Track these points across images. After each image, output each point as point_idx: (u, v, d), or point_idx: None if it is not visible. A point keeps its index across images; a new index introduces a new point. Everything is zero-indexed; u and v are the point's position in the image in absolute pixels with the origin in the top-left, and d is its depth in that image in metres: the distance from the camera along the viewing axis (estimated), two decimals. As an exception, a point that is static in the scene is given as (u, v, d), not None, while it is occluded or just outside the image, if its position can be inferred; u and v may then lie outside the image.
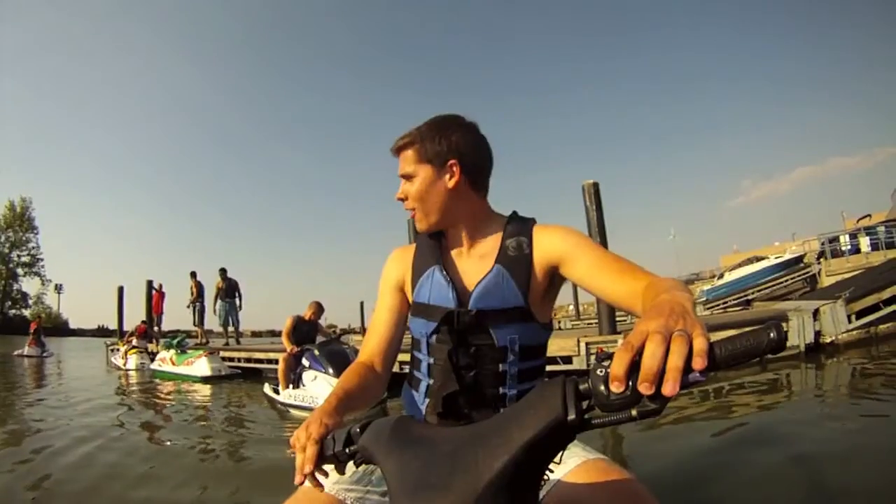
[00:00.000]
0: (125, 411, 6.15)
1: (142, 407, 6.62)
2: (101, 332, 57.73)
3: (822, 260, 19.55)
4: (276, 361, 9.17)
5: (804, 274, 21.08)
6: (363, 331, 21.09)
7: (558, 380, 0.60)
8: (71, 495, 2.97)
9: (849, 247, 19.05)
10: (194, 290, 13.30)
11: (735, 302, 20.79)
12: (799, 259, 22.94)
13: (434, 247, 1.18)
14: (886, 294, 7.55)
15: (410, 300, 1.19)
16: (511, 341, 1.07)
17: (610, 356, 0.57)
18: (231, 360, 10.60)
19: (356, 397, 1.03)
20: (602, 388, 0.54)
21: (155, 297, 15.88)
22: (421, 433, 0.69)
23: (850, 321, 7.23)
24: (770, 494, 2.48)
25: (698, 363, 0.50)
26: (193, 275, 13.47)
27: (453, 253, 1.17)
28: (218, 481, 3.19)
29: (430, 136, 1.11)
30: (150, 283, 15.94)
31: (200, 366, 9.55)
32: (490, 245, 1.13)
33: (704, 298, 23.54)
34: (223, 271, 12.58)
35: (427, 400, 1.12)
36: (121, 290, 18.28)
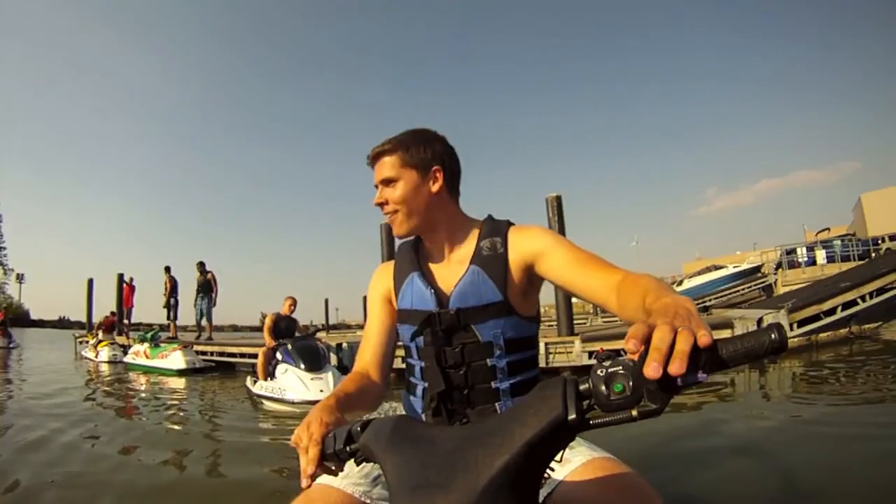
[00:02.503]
0: (102, 403, 6.28)
1: (119, 399, 6.74)
2: (63, 323, 56.41)
3: (778, 270, 20.44)
4: (248, 355, 9.52)
5: (761, 283, 21.95)
6: (327, 328, 20.93)
7: (559, 379, 0.61)
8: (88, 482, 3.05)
9: (805, 259, 20.00)
10: (168, 285, 13.12)
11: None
12: (757, 269, 23.85)
13: (412, 255, 1.22)
14: (827, 305, 8.12)
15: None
16: (495, 336, 1.10)
17: (610, 356, 0.59)
18: (204, 353, 10.69)
19: (355, 400, 1.05)
20: (602, 387, 0.56)
21: (125, 291, 15.71)
22: (421, 432, 0.70)
23: (791, 329, 7.77)
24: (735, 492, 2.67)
25: (704, 340, 0.53)
26: (167, 269, 13.26)
27: (431, 258, 1.22)
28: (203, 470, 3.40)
29: (413, 143, 1.16)
30: (120, 277, 15.75)
31: (175, 359, 9.66)
32: (466, 248, 1.17)
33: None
34: (201, 265, 12.27)
35: (425, 403, 1.15)
36: (90, 282, 18.12)
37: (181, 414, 5.60)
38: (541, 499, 0.88)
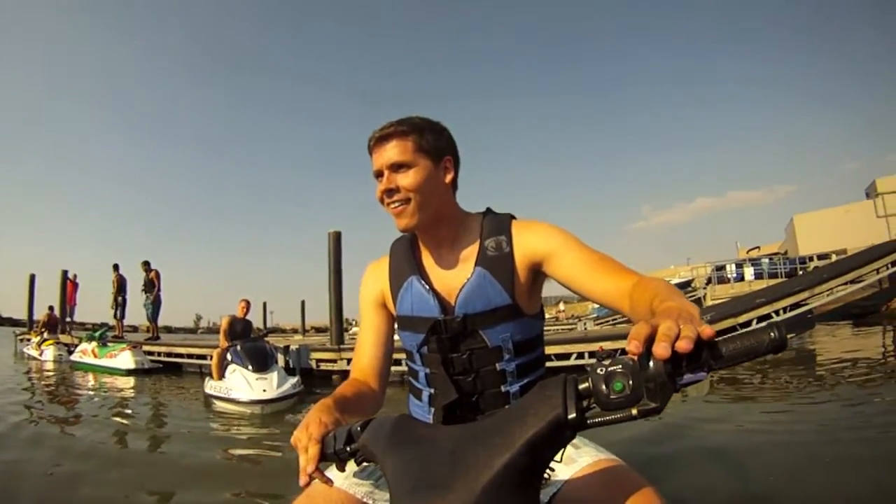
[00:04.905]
0: (45, 406, 6.23)
1: (65, 402, 6.65)
2: (-5, 319, 53.56)
3: (708, 286, 21.67)
4: (196, 356, 9.76)
5: (691, 297, 22.86)
6: (266, 330, 20.84)
7: (559, 378, 0.61)
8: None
9: (734, 275, 21.24)
10: (116, 283, 12.82)
11: (623, 319, 22.10)
12: (687, 283, 25.03)
13: (408, 255, 1.15)
14: (742, 319, 8.84)
15: (394, 313, 1.17)
16: (504, 340, 1.06)
17: (610, 355, 0.58)
18: (151, 354, 10.62)
19: (352, 404, 1.00)
20: (602, 386, 0.55)
21: (69, 288, 15.34)
22: (422, 432, 0.69)
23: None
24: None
25: (708, 333, 0.53)
26: (116, 268, 12.96)
27: (430, 258, 1.14)
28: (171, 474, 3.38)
29: (428, 128, 1.08)
30: (64, 273, 15.34)
31: (124, 359, 9.58)
32: (468, 246, 1.10)
33: (595, 315, 24.72)
34: (146, 264, 12.20)
35: (432, 409, 1.11)
36: (32, 278, 17.52)
37: (131, 421, 5.45)
38: (546, 499, 0.90)
